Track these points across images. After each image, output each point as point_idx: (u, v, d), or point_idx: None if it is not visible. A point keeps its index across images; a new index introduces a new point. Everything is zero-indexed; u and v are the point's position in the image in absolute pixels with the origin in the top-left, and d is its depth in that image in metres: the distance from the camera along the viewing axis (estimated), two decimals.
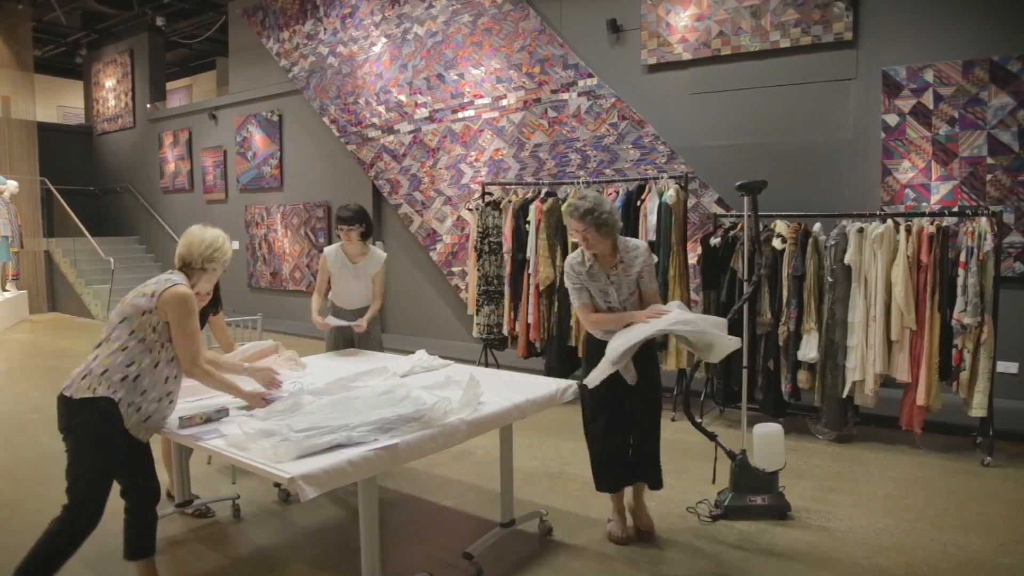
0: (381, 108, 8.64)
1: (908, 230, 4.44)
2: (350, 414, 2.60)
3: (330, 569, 3.15)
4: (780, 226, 4.88)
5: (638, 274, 3.25)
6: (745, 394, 3.91)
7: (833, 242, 4.67)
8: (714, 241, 5.18)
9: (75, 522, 2.56)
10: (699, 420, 3.81)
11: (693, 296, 5.60)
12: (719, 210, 6.04)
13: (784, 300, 4.81)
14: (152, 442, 2.83)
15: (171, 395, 2.74)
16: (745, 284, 4.21)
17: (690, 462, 4.39)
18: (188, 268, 2.87)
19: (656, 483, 3.38)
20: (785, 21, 5.88)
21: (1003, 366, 4.97)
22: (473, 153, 7.83)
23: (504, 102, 7.50)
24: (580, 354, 5.71)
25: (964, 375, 4.29)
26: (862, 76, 5.66)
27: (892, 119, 5.52)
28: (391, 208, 8.71)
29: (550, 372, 5.72)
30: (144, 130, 12.84)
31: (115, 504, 2.70)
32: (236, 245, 11.20)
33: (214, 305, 3.77)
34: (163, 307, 2.64)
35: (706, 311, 5.21)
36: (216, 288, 3.54)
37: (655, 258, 3.37)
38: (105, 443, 2.57)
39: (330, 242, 9.73)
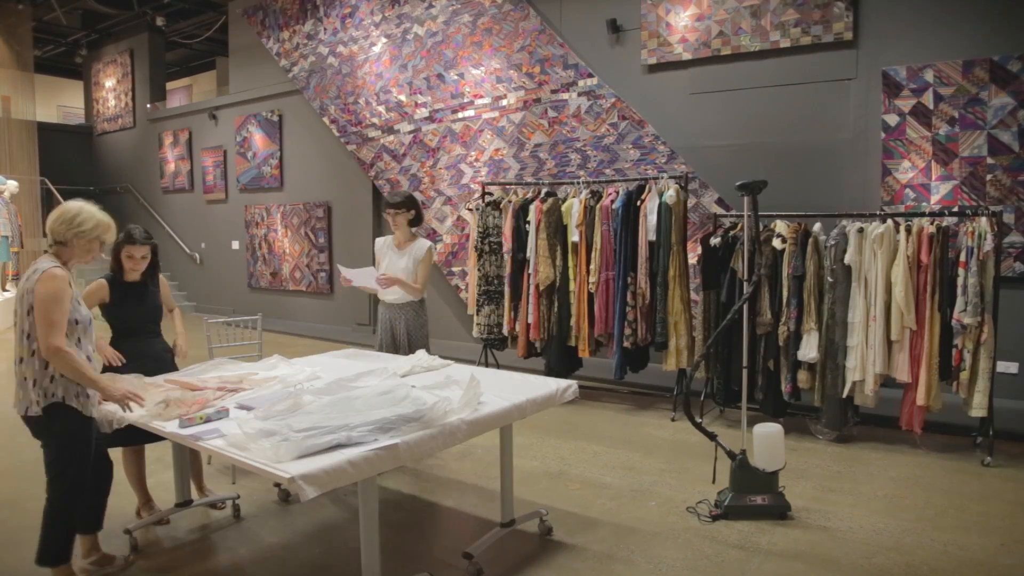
0: (381, 108, 8.64)
1: (908, 230, 4.44)
2: (350, 414, 2.60)
3: (330, 569, 3.15)
4: (780, 226, 4.88)
5: None
6: (745, 394, 3.91)
7: (833, 242, 4.67)
8: (714, 241, 5.18)
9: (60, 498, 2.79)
10: (699, 420, 3.81)
11: (693, 296, 5.60)
12: (719, 210, 6.04)
13: (784, 300, 4.80)
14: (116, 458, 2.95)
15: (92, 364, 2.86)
16: (745, 284, 4.21)
17: (690, 462, 4.39)
18: (59, 244, 2.79)
19: None
20: (785, 21, 5.88)
21: (1003, 366, 4.97)
22: (473, 153, 7.83)
23: (504, 102, 7.50)
24: (581, 354, 5.73)
25: (964, 375, 4.29)
26: (862, 76, 5.66)
27: (892, 119, 5.52)
28: None
29: (550, 372, 5.72)
30: (144, 130, 12.84)
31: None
32: (236, 245, 11.20)
33: (152, 273, 3.56)
34: (34, 297, 2.65)
35: (706, 311, 5.22)
36: (154, 252, 3.49)
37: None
38: (74, 444, 2.76)
39: (330, 242, 9.76)
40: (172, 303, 3.80)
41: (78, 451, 2.78)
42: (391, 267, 4.37)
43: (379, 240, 4.57)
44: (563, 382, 3.40)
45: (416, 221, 4.40)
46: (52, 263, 2.71)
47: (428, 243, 4.41)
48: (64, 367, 2.64)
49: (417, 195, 8.37)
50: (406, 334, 4.33)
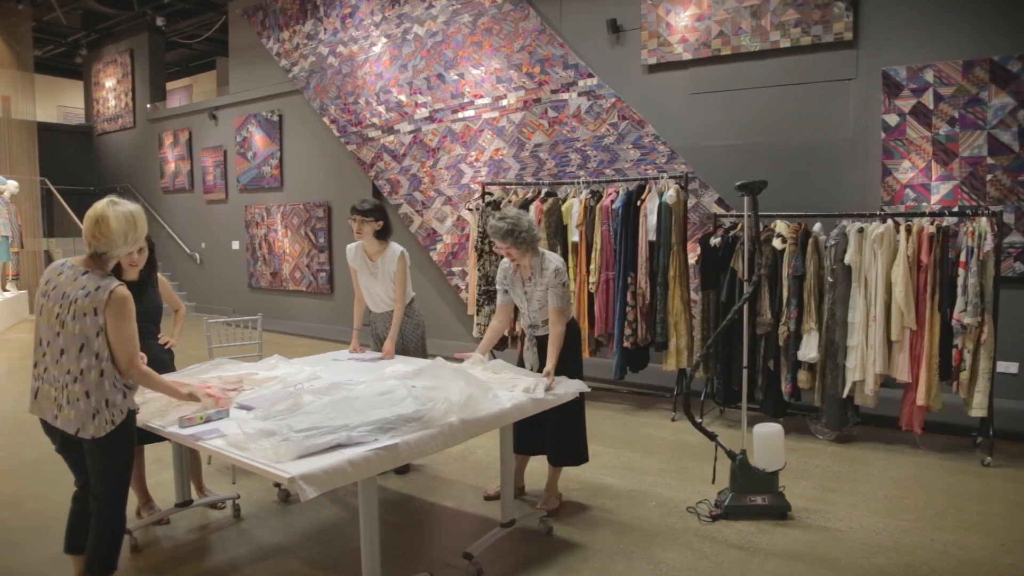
0: (381, 108, 8.64)
1: (908, 230, 4.44)
2: (350, 414, 2.60)
3: (330, 569, 3.15)
4: (780, 226, 4.88)
5: (544, 290, 3.54)
6: (745, 394, 3.91)
7: (833, 242, 4.67)
8: (714, 241, 5.18)
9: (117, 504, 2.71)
10: (699, 420, 3.81)
11: (693, 296, 5.60)
12: (719, 210, 6.04)
13: (784, 300, 4.80)
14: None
15: None
16: (745, 284, 4.21)
17: (690, 462, 4.39)
18: (99, 258, 2.63)
19: None
20: (785, 21, 5.88)
21: (1003, 366, 4.97)
22: (473, 153, 7.83)
23: (504, 102, 7.50)
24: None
25: (964, 375, 4.29)
26: (862, 76, 5.66)
27: (892, 119, 5.52)
28: (391, 208, 8.71)
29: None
30: (144, 130, 12.84)
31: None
32: (236, 245, 11.20)
33: (149, 271, 3.52)
34: (108, 318, 2.54)
35: (705, 310, 5.22)
36: (151, 248, 3.44)
37: (564, 277, 3.55)
38: (132, 448, 2.73)
39: (330, 242, 9.76)
40: (178, 303, 3.80)
41: (133, 451, 2.76)
42: (368, 288, 4.26)
43: (350, 248, 4.31)
44: (575, 382, 3.42)
45: (384, 233, 4.16)
46: (113, 279, 2.60)
47: (399, 250, 4.18)
48: (146, 382, 2.67)
49: (417, 195, 8.39)
50: (401, 337, 4.24)
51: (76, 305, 2.54)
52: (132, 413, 2.69)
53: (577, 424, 3.66)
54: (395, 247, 4.21)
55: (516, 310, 3.84)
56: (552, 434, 3.58)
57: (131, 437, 2.70)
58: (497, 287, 3.75)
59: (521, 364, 3.76)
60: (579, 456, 3.70)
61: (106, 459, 2.64)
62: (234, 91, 11.15)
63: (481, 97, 7.69)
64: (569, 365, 3.57)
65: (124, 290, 2.59)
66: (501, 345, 6.29)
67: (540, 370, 3.54)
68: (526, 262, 3.55)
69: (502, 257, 3.61)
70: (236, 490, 3.88)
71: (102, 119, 13.76)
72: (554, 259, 3.55)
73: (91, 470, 2.66)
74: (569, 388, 3.38)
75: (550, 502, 3.69)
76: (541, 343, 3.64)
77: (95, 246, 2.60)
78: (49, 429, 2.71)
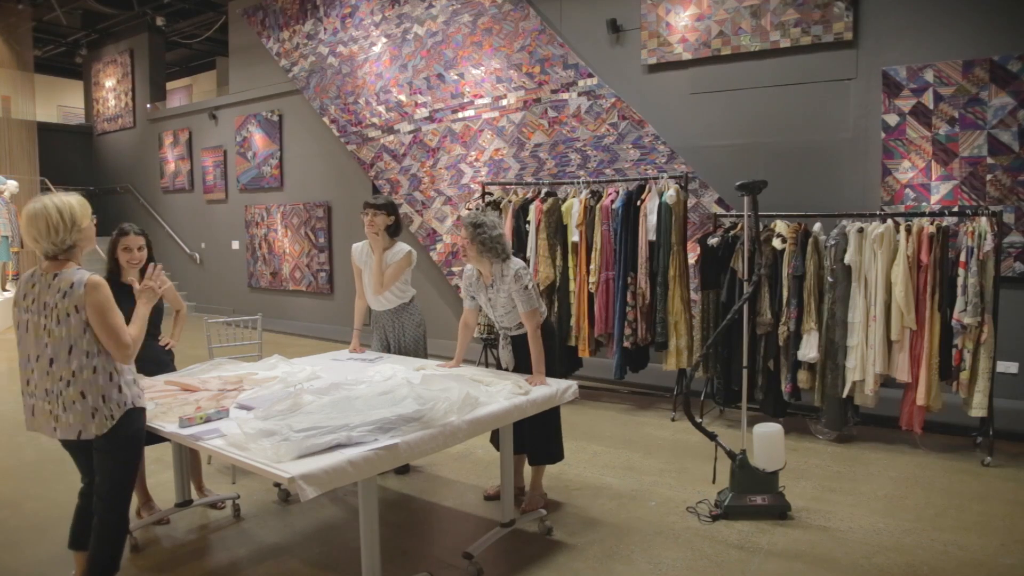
0: (381, 108, 8.64)
1: (908, 230, 4.44)
2: (350, 414, 2.60)
3: (330, 569, 3.15)
4: (780, 226, 4.88)
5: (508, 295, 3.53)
6: (745, 394, 3.91)
7: (833, 242, 4.67)
8: (712, 241, 5.18)
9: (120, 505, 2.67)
10: (699, 420, 3.81)
11: (693, 296, 5.60)
12: (719, 210, 6.04)
13: (784, 300, 4.80)
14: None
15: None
16: (745, 284, 4.21)
17: (690, 462, 4.39)
18: (60, 256, 2.57)
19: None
20: (785, 21, 5.88)
21: (1003, 366, 4.97)
22: (473, 153, 7.83)
23: (504, 102, 7.50)
24: (581, 354, 5.73)
25: (964, 375, 4.29)
26: (862, 76, 5.66)
27: (892, 119, 5.52)
28: None
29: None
30: (144, 130, 12.84)
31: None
32: (236, 245, 11.20)
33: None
34: (88, 310, 2.51)
35: (704, 310, 5.22)
36: (148, 246, 3.44)
37: (526, 280, 3.51)
38: (140, 445, 2.72)
39: (330, 242, 9.76)
40: (179, 303, 3.79)
41: (140, 451, 2.74)
42: (371, 283, 4.26)
43: (356, 246, 4.32)
44: (563, 382, 3.41)
45: (394, 230, 4.20)
46: (84, 272, 2.57)
47: (407, 248, 4.21)
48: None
49: (417, 195, 8.39)
50: (401, 335, 4.28)
51: (58, 309, 2.51)
52: (138, 410, 2.66)
53: (554, 423, 3.65)
54: (403, 245, 4.25)
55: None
56: (530, 433, 3.57)
57: (138, 437, 2.68)
58: (463, 294, 3.81)
59: (497, 362, 3.79)
60: (555, 455, 3.69)
61: (112, 460, 2.62)
62: (234, 91, 11.15)
63: (481, 97, 7.69)
64: (546, 365, 3.56)
65: (97, 278, 2.55)
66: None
67: (516, 368, 3.63)
68: (485, 269, 3.57)
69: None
70: (236, 490, 3.88)
71: (102, 119, 13.76)
72: (515, 263, 3.55)
73: (98, 468, 2.65)
74: (559, 387, 3.36)
75: (534, 501, 3.67)
76: (516, 342, 3.67)
77: (44, 247, 2.55)
78: None
